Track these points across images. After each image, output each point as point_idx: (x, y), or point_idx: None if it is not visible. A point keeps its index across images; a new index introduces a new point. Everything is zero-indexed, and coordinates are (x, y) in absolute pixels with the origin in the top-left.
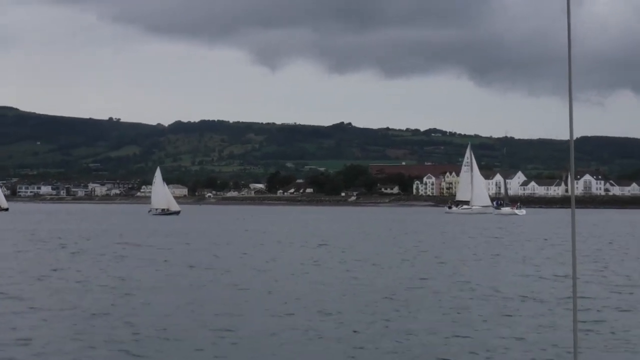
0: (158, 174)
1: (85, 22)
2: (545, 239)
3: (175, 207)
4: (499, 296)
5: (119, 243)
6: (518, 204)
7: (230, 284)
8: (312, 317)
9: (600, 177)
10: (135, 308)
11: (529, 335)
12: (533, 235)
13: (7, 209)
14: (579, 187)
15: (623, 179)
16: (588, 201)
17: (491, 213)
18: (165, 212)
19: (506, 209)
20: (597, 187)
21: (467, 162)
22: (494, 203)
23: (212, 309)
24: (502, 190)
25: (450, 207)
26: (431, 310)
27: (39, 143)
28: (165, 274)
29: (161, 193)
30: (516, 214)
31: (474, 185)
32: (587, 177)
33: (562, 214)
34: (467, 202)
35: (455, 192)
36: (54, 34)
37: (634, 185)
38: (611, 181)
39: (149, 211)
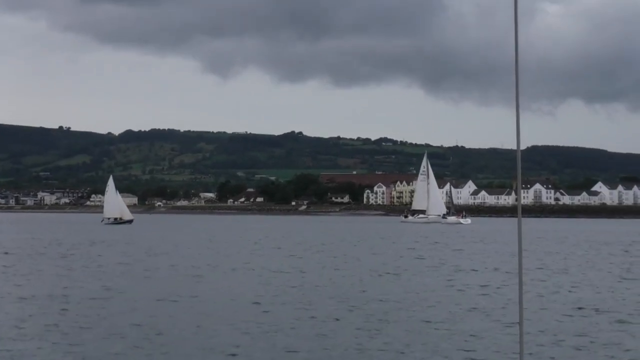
0: (111, 183)
1: (35, 31)
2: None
3: (128, 216)
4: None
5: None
6: (463, 213)
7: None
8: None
9: (550, 186)
10: None
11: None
12: (465, 244)
13: None
14: (529, 197)
15: (573, 188)
16: (538, 210)
17: (447, 223)
18: (118, 221)
19: (452, 218)
20: (547, 196)
21: (424, 171)
22: (442, 212)
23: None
24: (449, 200)
25: (406, 216)
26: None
27: None
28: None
29: (114, 202)
30: (461, 223)
31: (430, 194)
32: (538, 186)
33: (509, 223)
34: (423, 211)
35: (405, 202)
36: (3, 42)
37: (584, 194)
38: (561, 190)
39: (102, 220)
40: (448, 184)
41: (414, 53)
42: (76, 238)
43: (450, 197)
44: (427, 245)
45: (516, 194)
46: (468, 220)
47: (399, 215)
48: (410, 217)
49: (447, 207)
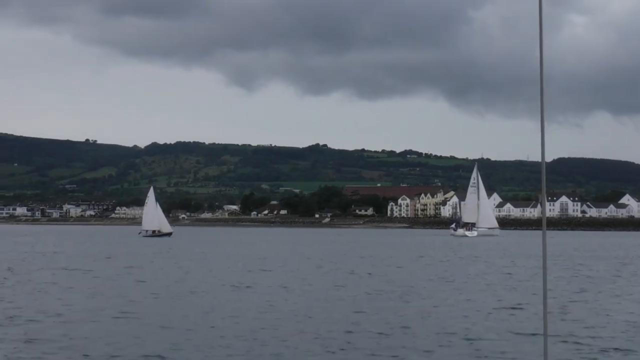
0: (151, 194)
1: (59, 44)
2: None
3: (167, 228)
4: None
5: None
6: (469, 225)
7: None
8: None
9: (576, 198)
10: None
11: None
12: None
13: None
14: (555, 209)
15: (600, 201)
16: (564, 223)
17: (497, 235)
18: (157, 234)
19: (460, 231)
20: (574, 209)
21: (474, 183)
22: (452, 225)
23: None
24: (459, 212)
25: (455, 229)
26: None
27: (15, 165)
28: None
29: (153, 214)
30: (467, 236)
31: (480, 207)
32: (564, 198)
33: (530, 235)
34: (473, 224)
35: (429, 214)
36: (29, 55)
37: (611, 207)
38: (588, 203)
39: (140, 232)
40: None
41: (439, 65)
42: (139, 250)
43: (460, 210)
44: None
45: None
46: (474, 233)
47: (427, 228)
48: (459, 230)
49: (456, 220)
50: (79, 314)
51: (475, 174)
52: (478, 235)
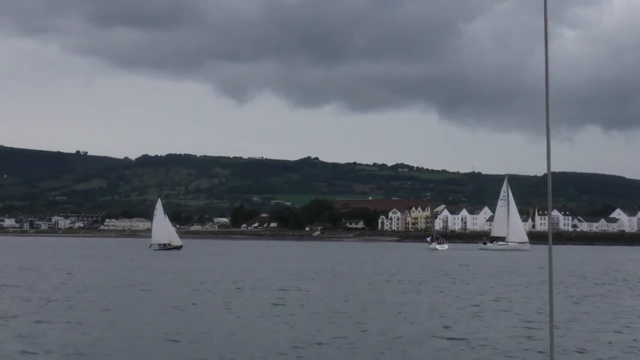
0: (159, 206)
1: (48, 55)
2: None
3: (177, 241)
4: None
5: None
6: (441, 239)
7: None
8: None
9: (567, 213)
10: None
11: None
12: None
13: None
14: (546, 223)
15: (591, 215)
16: (555, 237)
17: (528, 250)
18: (167, 247)
19: (432, 245)
20: (565, 223)
21: (504, 197)
22: (428, 238)
23: None
24: (432, 226)
25: (484, 243)
26: None
27: (5, 176)
28: None
29: (162, 227)
30: (437, 249)
31: (510, 221)
32: (555, 212)
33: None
34: (502, 239)
35: (420, 227)
36: (17, 66)
37: (602, 221)
38: (579, 217)
39: (150, 246)
40: (464, 210)
41: (430, 78)
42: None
43: (432, 223)
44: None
45: (533, 220)
46: (445, 247)
47: (415, 241)
48: (489, 244)
49: (432, 234)
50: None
51: (505, 188)
52: (507, 250)
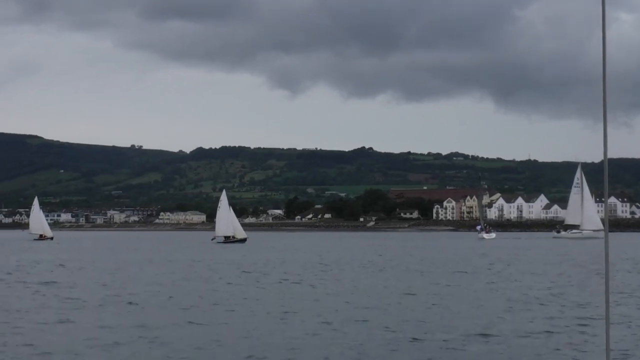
0: (224, 198)
1: (101, 50)
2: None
3: (242, 234)
4: None
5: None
6: (488, 227)
7: None
8: None
9: (625, 199)
10: None
11: None
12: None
13: (52, 238)
14: (603, 210)
15: None
16: (613, 225)
17: (602, 238)
18: (230, 240)
19: (482, 234)
20: (623, 210)
21: (577, 184)
22: (478, 227)
23: None
24: (480, 215)
25: (558, 232)
26: None
27: (62, 171)
28: None
29: (227, 219)
30: (484, 238)
31: (584, 208)
32: (612, 199)
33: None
34: (577, 226)
35: (475, 217)
36: (70, 61)
37: None
38: (637, 204)
39: (213, 239)
40: (520, 198)
41: (485, 66)
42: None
43: (481, 212)
44: None
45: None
46: (492, 235)
47: (470, 231)
48: (563, 232)
49: (481, 223)
50: None
51: (579, 174)
52: (581, 238)
